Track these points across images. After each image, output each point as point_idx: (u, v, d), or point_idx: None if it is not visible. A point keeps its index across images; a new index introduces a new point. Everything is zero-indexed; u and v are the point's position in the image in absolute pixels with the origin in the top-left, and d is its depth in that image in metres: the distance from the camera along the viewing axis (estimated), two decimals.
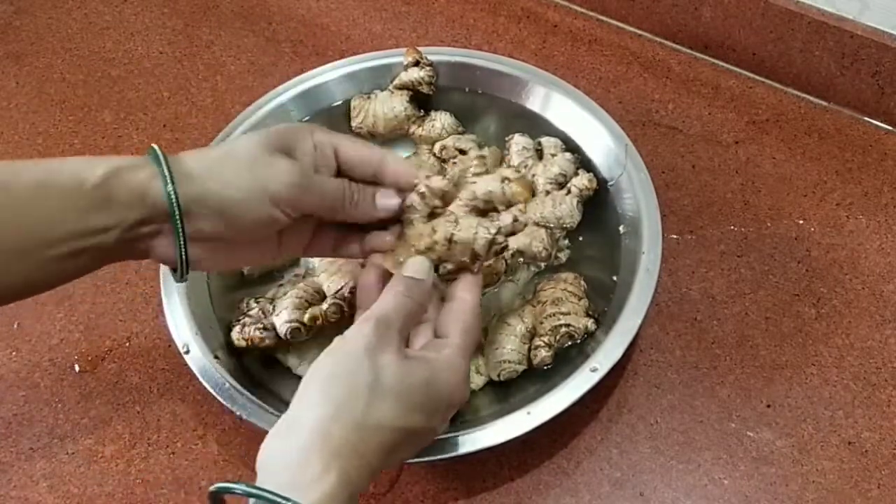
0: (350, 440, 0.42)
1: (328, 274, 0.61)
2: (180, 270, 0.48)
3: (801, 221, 0.69)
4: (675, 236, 0.69)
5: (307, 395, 0.44)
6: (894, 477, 0.57)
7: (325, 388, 0.44)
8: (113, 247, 0.45)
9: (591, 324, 0.59)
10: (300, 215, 0.49)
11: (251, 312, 0.61)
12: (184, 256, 0.47)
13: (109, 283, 0.70)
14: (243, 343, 0.59)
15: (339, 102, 0.73)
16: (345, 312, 0.59)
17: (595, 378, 0.55)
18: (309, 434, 0.42)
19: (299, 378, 0.60)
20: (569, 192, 0.65)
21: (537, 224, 0.64)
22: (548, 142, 0.69)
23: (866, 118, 0.76)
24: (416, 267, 0.51)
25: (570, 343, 0.59)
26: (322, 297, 0.60)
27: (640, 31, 0.84)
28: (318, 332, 0.60)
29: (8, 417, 0.63)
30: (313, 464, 0.41)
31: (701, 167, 0.73)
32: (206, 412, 0.62)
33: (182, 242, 0.46)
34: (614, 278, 0.62)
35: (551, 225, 0.64)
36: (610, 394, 0.61)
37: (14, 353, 0.67)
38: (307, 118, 0.73)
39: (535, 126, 0.70)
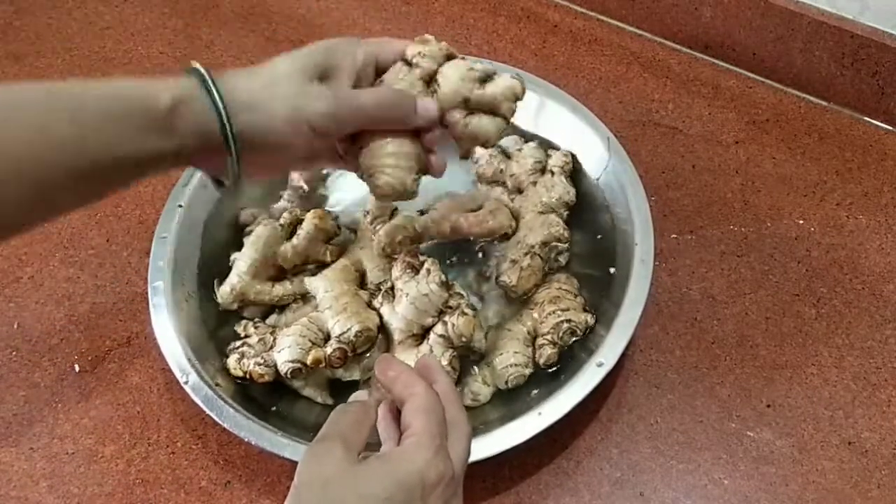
0: None
1: (333, 312, 0.59)
2: (232, 185, 0.51)
3: (801, 221, 0.69)
4: (675, 236, 0.69)
5: None
6: (894, 477, 0.57)
7: None
8: (165, 166, 0.48)
9: (590, 318, 0.60)
10: (344, 133, 0.52)
11: (250, 341, 0.60)
12: (237, 175, 0.50)
13: (109, 283, 0.70)
14: (240, 373, 0.59)
15: None
16: (348, 357, 0.58)
17: (602, 372, 0.55)
18: None
19: (304, 398, 0.60)
20: (552, 173, 0.66)
21: (542, 213, 0.64)
22: (507, 141, 0.69)
23: (866, 118, 0.76)
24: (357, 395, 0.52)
25: (572, 339, 0.59)
26: (326, 336, 0.59)
27: (640, 31, 0.84)
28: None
29: (8, 417, 0.63)
30: None
31: (701, 167, 0.73)
32: (205, 412, 0.62)
33: (237, 169, 0.49)
34: (611, 270, 0.62)
35: (555, 207, 0.65)
36: (610, 394, 0.61)
37: (14, 353, 0.67)
38: None
39: (513, 129, 0.70)
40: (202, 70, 0.47)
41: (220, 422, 0.56)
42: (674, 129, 0.76)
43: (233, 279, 0.62)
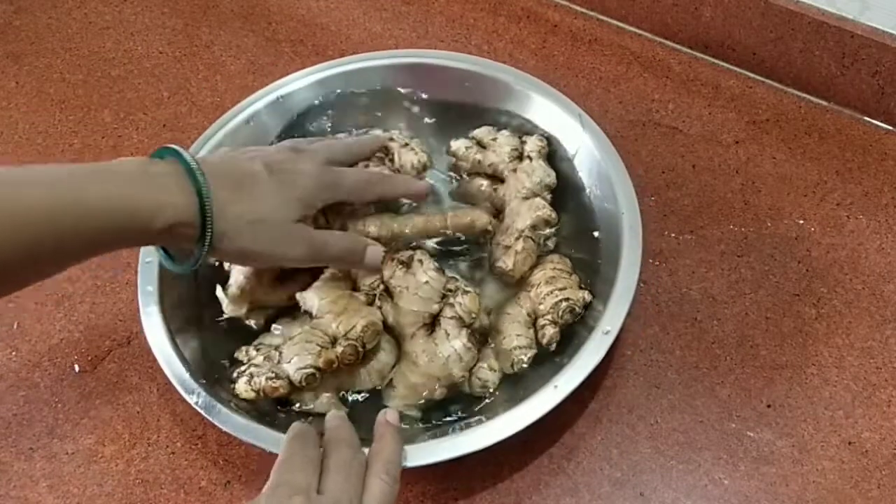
0: None
1: (334, 315, 0.58)
2: (187, 270, 0.56)
3: (801, 221, 0.69)
4: (675, 236, 0.69)
5: None
6: (894, 477, 0.57)
7: None
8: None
9: (587, 295, 0.60)
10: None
11: (255, 362, 0.58)
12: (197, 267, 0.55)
13: (109, 283, 0.70)
14: (252, 394, 0.57)
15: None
16: (359, 353, 0.57)
17: (609, 340, 0.55)
18: None
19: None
20: (530, 158, 0.66)
21: (526, 198, 0.64)
22: (480, 132, 0.69)
23: (866, 118, 0.76)
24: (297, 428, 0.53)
25: (572, 319, 0.59)
26: (332, 340, 0.57)
27: (640, 31, 0.84)
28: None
29: (8, 417, 0.63)
30: None
31: (701, 167, 0.73)
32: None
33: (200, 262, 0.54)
34: (600, 264, 0.62)
35: (537, 192, 0.65)
36: (610, 394, 0.61)
37: (14, 353, 0.67)
38: (297, 115, 0.73)
39: (485, 117, 0.71)
40: (203, 190, 0.50)
41: (219, 424, 0.55)
42: (674, 129, 0.76)
43: (240, 280, 0.61)
